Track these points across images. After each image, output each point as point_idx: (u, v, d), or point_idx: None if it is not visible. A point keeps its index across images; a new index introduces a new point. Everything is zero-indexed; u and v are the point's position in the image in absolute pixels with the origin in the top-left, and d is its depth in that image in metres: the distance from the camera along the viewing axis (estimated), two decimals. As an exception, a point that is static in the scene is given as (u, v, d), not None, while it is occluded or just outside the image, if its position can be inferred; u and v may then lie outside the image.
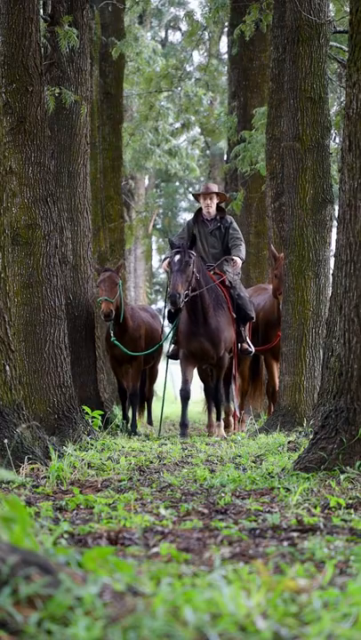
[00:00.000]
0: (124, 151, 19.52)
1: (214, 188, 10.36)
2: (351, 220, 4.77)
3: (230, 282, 9.97)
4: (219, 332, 9.60)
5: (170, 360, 10.41)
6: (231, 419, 10.39)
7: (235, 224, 10.24)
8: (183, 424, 9.46)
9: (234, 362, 10.14)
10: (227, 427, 10.20)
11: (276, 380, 10.53)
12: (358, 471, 4.46)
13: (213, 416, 10.11)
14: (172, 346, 10.18)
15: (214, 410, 10.13)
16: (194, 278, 9.29)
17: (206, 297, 9.46)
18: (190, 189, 32.46)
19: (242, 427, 10.52)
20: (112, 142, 15.12)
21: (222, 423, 9.99)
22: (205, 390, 10.85)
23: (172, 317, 10.15)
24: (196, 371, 10.58)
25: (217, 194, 10.18)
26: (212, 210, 10.15)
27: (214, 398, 10.12)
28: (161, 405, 10.82)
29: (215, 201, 10.16)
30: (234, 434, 9.47)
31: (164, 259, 9.99)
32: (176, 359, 10.09)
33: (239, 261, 9.94)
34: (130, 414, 10.35)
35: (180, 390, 9.71)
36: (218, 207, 10.21)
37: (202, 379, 10.94)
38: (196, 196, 10.45)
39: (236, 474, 4.92)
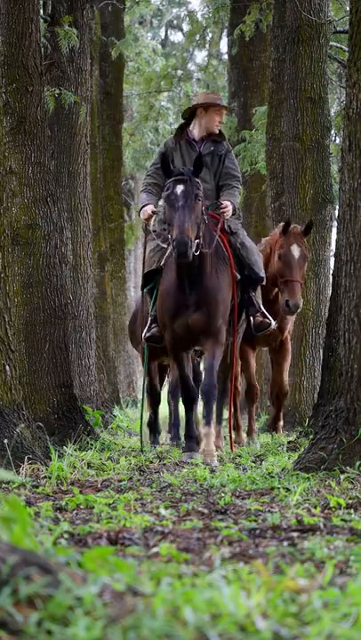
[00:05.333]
0: (124, 151, 19.52)
1: (224, 101, 7.35)
2: (351, 220, 4.78)
3: (230, 227, 7.07)
4: (216, 296, 6.59)
5: (149, 344, 7.31)
6: (221, 439, 7.58)
7: (232, 155, 7.30)
8: (189, 435, 6.78)
9: (232, 345, 7.16)
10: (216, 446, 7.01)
11: (284, 377, 8.70)
12: (358, 471, 4.46)
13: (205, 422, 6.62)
14: (153, 325, 7.07)
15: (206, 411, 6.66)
16: (203, 222, 6.44)
17: (208, 255, 6.60)
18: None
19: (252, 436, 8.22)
20: (112, 142, 15.14)
21: (213, 432, 6.63)
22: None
23: (147, 281, 7.21)
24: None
25: (224, 110, 7.22)
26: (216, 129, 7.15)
27: (205, 394, 6.56)
28: (141, 406, 7.67)
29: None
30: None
31: (143, 206, 7.03)
32: (158, 343, 7.09)
33: (230, 208, 6.89)
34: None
35: (182, 391, 6.90)
36: None
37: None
38: (192, 112, 7.20)
39: (236, 474, 4.92)
